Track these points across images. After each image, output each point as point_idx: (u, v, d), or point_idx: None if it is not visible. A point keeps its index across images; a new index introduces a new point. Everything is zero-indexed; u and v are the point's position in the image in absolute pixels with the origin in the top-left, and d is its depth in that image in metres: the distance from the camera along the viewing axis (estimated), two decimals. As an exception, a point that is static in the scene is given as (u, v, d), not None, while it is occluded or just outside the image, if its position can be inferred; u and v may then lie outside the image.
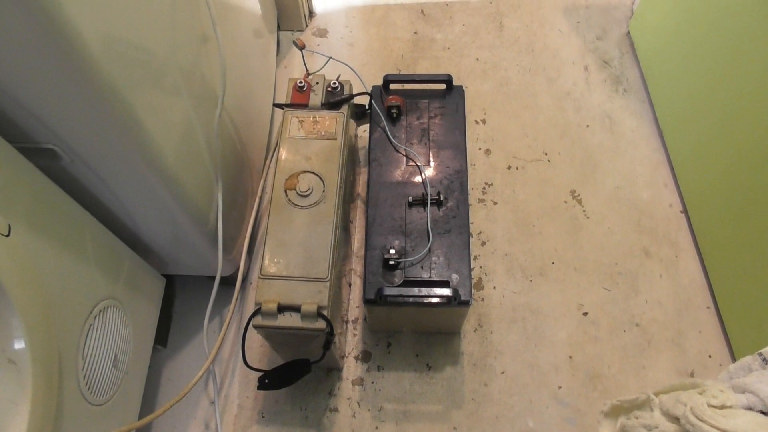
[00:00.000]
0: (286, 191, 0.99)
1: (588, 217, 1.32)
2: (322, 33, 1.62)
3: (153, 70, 0.80)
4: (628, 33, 1.56)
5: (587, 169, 1.38)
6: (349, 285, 1.25)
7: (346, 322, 1.22)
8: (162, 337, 1.21)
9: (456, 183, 1.09)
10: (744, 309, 1.12)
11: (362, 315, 1.24)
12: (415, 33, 1.60)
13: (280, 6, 1.54)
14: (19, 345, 0.63)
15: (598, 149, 1.41)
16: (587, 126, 1.44)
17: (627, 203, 1.34)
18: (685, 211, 1.31)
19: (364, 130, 1.36)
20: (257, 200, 1.23)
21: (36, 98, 0.70)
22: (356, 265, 1.28)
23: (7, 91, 0.69)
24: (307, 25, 1.62)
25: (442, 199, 1.06)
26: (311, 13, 1.64)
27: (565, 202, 1.34)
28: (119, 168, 0.85)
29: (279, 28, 1.60)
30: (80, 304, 0.81)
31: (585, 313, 1.22)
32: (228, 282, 1.19)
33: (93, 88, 0.68)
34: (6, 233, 0.63)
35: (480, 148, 1.41)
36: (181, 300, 1.28)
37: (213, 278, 1.11)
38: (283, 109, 1.09)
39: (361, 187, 1.34)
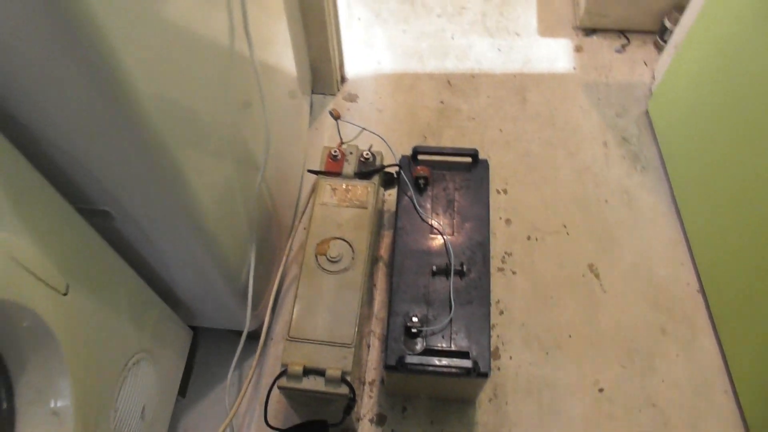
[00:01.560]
0: (317, 256, 1.03)
1: (605, 292, 1.35)
2: (352, 98, 1.70)
3: (200, 132, 0.84)
4: (647, 111, 1.62)
5: (605, 243, 1.41)
6: (368, 346, 1.27)
7: (363, 383, 1.23)
8: (182, 387, 1.23)
9: (479, 254, 1.12)
10: (763, 395, 1.12)
11: (379, 377, 1.25)
12: (442, 102, 1.67)
13: (314, 71, 1.62)
14: (63, 402, 0.66)
15: (616, 224, 1.44)
16: (606, 201, 1.48)
17: (644, 280, 1.36)
18: (702, 290, 1.33)
19: (389, 194, 1.41)
20: (285, 258, 1.27)
21: (95, 159, 0.75)
22: (376, 326, 1.30)
23: (70, 153, 0.74)
24: (338, 90, 1.70)
25: (465, 269, 1.09)
26: (343, 79, 1.72)
27: (583, 275, 1.37)
28: (163, 227, 0.89)
29: (312, 91, 1.68)
30: (117, 358, 0.84)
31: (601, 389, 1.23)
32: (248, 336, 1.21)
33: (145, 144, 0.71)
34: (64, 292, 0.67)
35: (501, 218, 1.46)
36: (202, 351, 1.30)
37: (234, 331, 1.13)
38: (317, 175, 1.14)
39: (383, 250, 1.38)
